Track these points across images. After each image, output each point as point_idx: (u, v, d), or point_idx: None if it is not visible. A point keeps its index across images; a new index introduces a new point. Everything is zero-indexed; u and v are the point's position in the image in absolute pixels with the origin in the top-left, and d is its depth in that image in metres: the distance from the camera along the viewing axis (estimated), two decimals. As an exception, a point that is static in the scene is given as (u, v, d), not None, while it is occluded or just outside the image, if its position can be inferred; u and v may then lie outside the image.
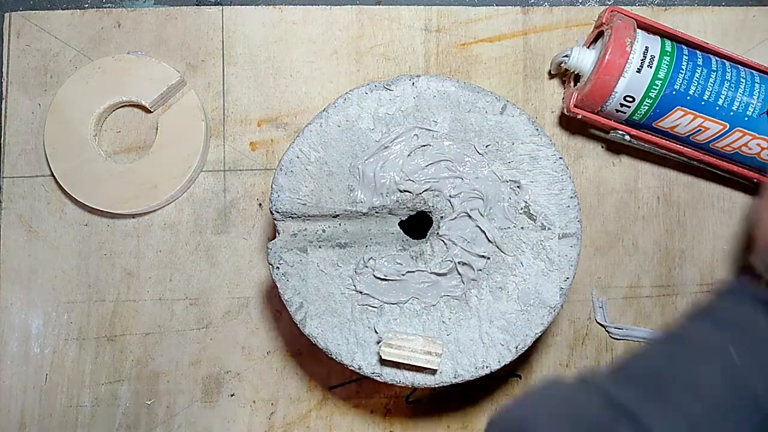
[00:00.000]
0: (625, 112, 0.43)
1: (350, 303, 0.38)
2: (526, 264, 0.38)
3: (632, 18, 0.44)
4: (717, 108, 0.41)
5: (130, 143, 0.48)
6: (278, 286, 0.38)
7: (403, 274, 0.38)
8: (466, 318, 0.37)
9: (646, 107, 0.42)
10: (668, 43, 0.42)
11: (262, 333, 0.47)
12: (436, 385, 0.38)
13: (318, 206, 0.38)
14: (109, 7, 0.48)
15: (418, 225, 0.40)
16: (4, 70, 0.48)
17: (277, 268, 0.38)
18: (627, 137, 0.44)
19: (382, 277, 0.37)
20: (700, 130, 0.42)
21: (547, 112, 0.48)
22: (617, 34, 0.41)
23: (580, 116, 0.44)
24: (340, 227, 0.38)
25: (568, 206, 0.38)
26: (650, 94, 0.41)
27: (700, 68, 0.42)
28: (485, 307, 0.37)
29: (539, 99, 0.48)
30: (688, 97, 0.41)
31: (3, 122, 0.47)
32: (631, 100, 0.42)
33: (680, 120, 0.42)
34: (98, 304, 0.46)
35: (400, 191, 0.38)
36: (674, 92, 0.41)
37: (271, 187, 0.38)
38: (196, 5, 0.49)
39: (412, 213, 0.39)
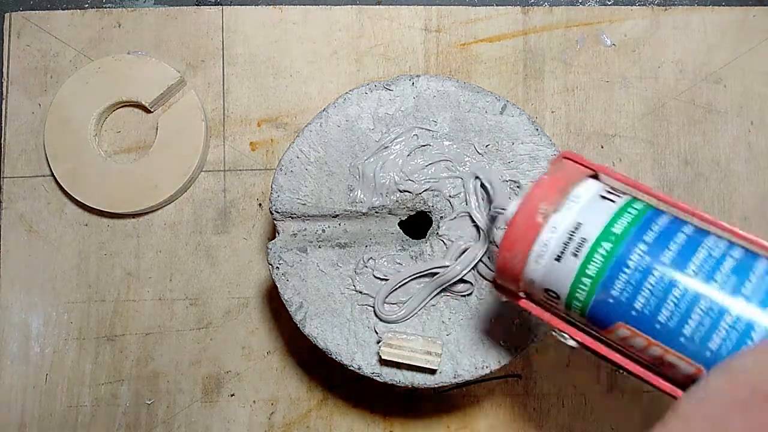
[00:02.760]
0: (556, 307, 0.28)
1: (350, 303, 0.38)
2: (525, 264, 0.38)
3: (582, 168, 0.28)
4: (683, 339, 0.23)
5: (130, 143, 0.48)
6: (278, 286, 0.38)
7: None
8: (466, 318, 0.37)
9: (577, 311, 0.26)
10: (629, 213, 0.26)
11: (262, 333, 0.47)
12: (436, 385, 0.38)
13: (318, 206, 0.38)
14: (109, 7, 0.48)
15: (418, 225, 0.40)
16: (5, 70, 0.48)
17: (277, 268, 0.38)
18: (571, 341, 0.28)
19: (382, 277, 0.37)
20: (663, 362, 0.25)
21: (547, 112, 0.48)
22: (533, 196, 0.27)
23: (504, 299, 0.30)
24: (340, 227, 0.38)
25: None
26: (577, 295, 0.26)
27: (670, 259, 0.24)
28: (485, 307, 0.37)
29: (539, 99, 0.48)
30: (634, 312, 0.24)
31: (3, 122, 0.47)
32: (554, 296, 0.27)
33: (631, 341, 0.25)
34: (98, 304, 0.46)
35: (400, 191, 0.38)
36: (611, 300, 0.25)
37: (271, 187, 0.38)
38: (196, 5, 0.49)
39: (412, 213, 0.39)
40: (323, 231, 0.38)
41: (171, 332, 0.46)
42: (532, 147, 0.38)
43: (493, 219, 0.30)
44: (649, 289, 0.24)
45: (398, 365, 0.37)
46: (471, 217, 0.37)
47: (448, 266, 0.37)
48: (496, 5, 0.49)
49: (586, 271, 0.25)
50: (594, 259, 0.25)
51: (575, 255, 0.25)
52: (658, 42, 0.49)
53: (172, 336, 0.46)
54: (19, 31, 0.48)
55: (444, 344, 0.37)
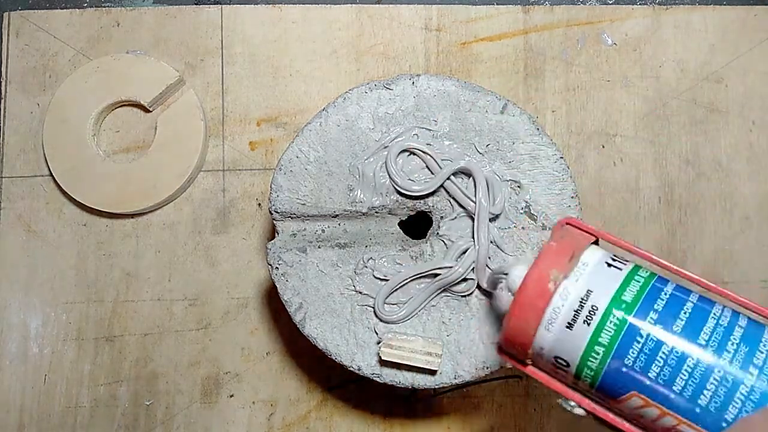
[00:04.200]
0: (567, 374, 0.27)
1: (350, 303, 0.38)
2: (526, 264, 0.37)
3: (585, 234, 0.29)
4: (698, 410, 0.23)
5: (129, 143, 0.47)
6: (277, 286, 0.38)
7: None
8: (466, 319, 0.37)
9: (588, 380, 0.26)
10: (636, 281, 0.26)
11: (262, 333, 0.46)
12: (437, 386, 0.37)
13: (317, 206, 0.38)
14: (108, 7, 0.48)
15: (418, 225, 0.40)
16: (3, 69, 0.48)
17: (276, 268, 0.38)
18: (578, 409, 0.28)
19: (382, 277, 0.37)
20: None
21: (547, 111, 0.48)
22: (542, 263, 0.26)
23: (509, 365, 0.30)
24: (340, 227, 0.38)
25: (569, 206, 0.38)
26: (589, 363, 0.25)
27: (681, 328, 0.24)
28: (485, 307, 0.37)
29: (540, 98, 0.48)
30: (648, 381, 0.24)
31: (2, 122, 0.47)
32: (564, 364, 0.26)
33: (642, 410, 0.25)
34: (97, 304, 0.46)
35: (402, 195, 0.38)
36: (624, 369, 0.25)
37: (270, 186, 0.38)
38: (195, 4, 0.48)
39: (412, 213, 0.38)
40: (323, 231, 0.38)
41: (170, 333, 0.46)
42: (532, 146, 0.38)
43: (494, 284, 0.30)
44: (662, 358, 0.24)
45: (398, 366, 0.37)
46: (470, 216, 0.37)
47: (448, 267, 0.36)
48: (497, 4, 0.48)
49: (599, 339, 0.25)
50: (607, 328, 0.25)
51: (587, 323, 0.25)
52: (660, 41, 0.48)
53: (171, 336, 0.46)
54: (17, 30, 0.48)
55: (444, 345, 0.37)
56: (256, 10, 0.48)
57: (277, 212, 0.38)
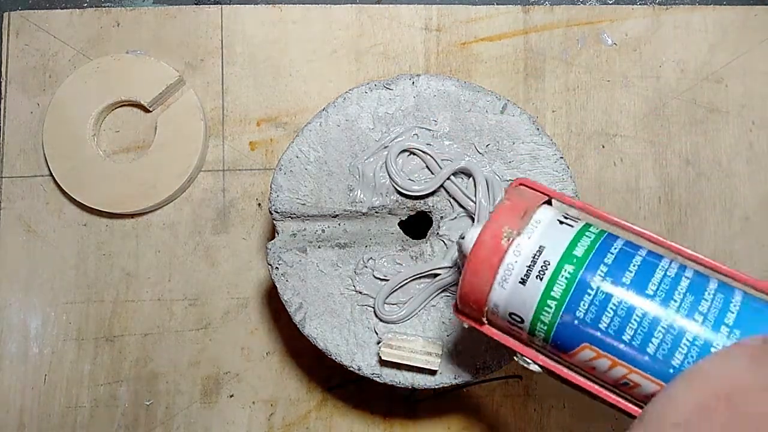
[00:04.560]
0: (521, 331, 0.27)
1: (350, 303, 0.38)
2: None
3: (538, 193, 0.29)
4: (646, 358, 0.24)
5: (129, 143, 0.47)
6: (277, 286, 0.38)
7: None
8: (466, 318, 0.37)
9: (542, 333, 0.26)
10: (587, 237, 0.26)
11: (262, 333, 0.46)
12: (436, 386, 0.37)
13: (317, 206, 0.38)
14: (108, 7, 0.48)
15: (418, 225, 0.40)
16: (3, 69, 0.48)
17: (276, 268, 0.38)
18: (534, 366, 0.28)
19: (382, 277, 0.37)
20: (627, 383, 0.25)
21: (548, 111, 0.48)
22: (496, 220, 0.27)
23: (466, 325, 0.30)
24: (340, 227, 0.38)
25: (569, 206, 0.37)
26: (541, 317, 0.26)
27: (630, 280, 0.25)
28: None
29: (540, 98, 0.48)
30: (599, 333, 0.25)
31: (2, 122, 0.47)
32: (519, 320, 0.27)
33: (594, 362, 0.25)
34: (97, 304, 0.46)
35: (403, 195, 0.38)
36: (576, 321, 0.25)
37: (270, 186, 0.38)
38: (195, 4, 0.48)
39: (412, 213, 0.38)
40: (323, 231, 0.38)
41: (170, 333, 0.46)
42: (532, 146, 0.38)
43: (459, 248, 0.30)
44: (612, 309, 0.25)
45: (398, 366, 0.37)
46: (470, 216, 0.37)
47: (448, 267, 0.36)
48: (497, 4, 0.48)
49: (551, 293, 0.25)
50: (558, 282, 0.25)
51: (539, 278, 0.26)
52: (660, 41, 0.48)
53: (171, 336, 0.46)
54: (17, 30, 0.48)
55: (444, 345, 0.37)
56: (256, 10, 0.48)
57: (277, 212, 0.38)
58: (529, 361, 0.28)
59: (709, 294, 0.24)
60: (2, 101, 0.47)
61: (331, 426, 0.46)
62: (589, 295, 0.25)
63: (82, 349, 0.46)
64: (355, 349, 0.37)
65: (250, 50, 0.48)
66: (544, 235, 0.27)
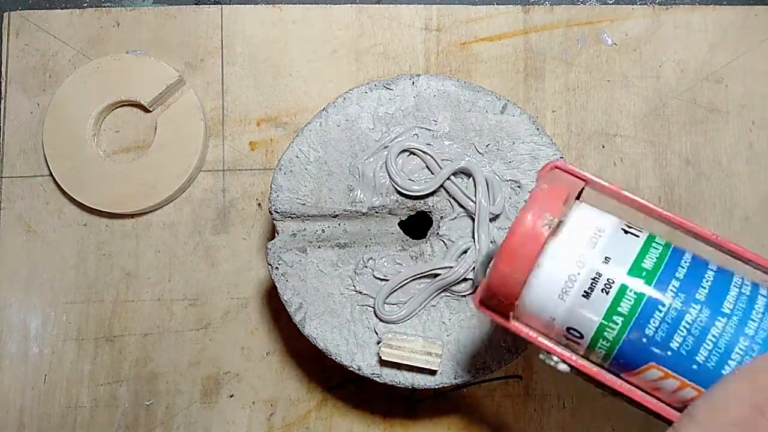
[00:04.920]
0: (577, 347, 0.26)
1: (350, 303, 0.38)
2: (526, 264, 0.37)
3: (575, 178, 0.27)
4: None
5: (129, 143, 0.47)
6: (277, 286, 0.38)
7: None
8: (466, 319, 0.37)
9: (603, 350, 0.25)
10: (654, 247, 0.25)
11: (262, 333, 0.46)
12: (437, 386, 0.37)
13: (317, 206, 0.38)
14: (107, 7, 0.48)
15: (418, 225, 0.40)
16: (3, 69, 0.48)
17: (276, 268, 0.38)
18: (562, 365, 0.26)
19: (382, 277, 0.37)
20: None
21: (548, 111, 0.48)
22: (535, 205, 0.24)
23: (492, 320, 0.27)
24: (340, 227, 0.38)
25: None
26: (605, 334, 0.24)
27: (705, 297, 0.23)
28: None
29: (540, 98, 0.48)
30: (669, 353, 0.23)
31: (2, 122, 0.47)
32: (578, 335, 0.25)
33: (660, 383, 0.24)
34: (97, 304, 0.46)
35: (403, 195, 0.38)
36: (644, 339, 0.24)
37: (270, 186, 0.38)
38: (195, 4, 0.48)
39: (412, 213, 0.38)
40: (323, 231, 0.38)
41: (170, 333, 0.46)
42: (532, 146, 0.38)
43: (490, 259, 0.28)
44: (686, 328, 0.23)
45: (398, 366, 0.37)
46: (470, 216, 0.37)
47: (448, 267, 0.36)
48: (497, 4, 0.48)
49: (618, 308, 0.24)
50: (627, 296, 0.24)
51: (605, 291, 0.24)
52: (660, 41, 0.48)
53: (171, 336, 0.46)
54: (17, 30, 0.48)
55: (444, 345, 0.37)
56: (256, 10, 0.48)
57: (277, 212, 0.38)
58: (557, 360, 0.26)
59: None
60: (2, 101, 0.47)
61: (331, 426, 0.46)
62: (661, 312, 0.23)
63: (82, 349, 0.46)
64: (355, 349, 0.37)
65: (250, 50, 0.48)
66: (609, 246, 0.25)
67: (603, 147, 0.48)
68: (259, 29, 0.48)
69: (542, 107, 0.48)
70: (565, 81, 0.48)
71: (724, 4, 0.49)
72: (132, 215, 0.47)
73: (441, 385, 0.37)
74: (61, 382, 0.46)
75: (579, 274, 0.24)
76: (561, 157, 0.38)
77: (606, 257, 0.24)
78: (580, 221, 0.26)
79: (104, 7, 0.48)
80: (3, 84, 0.47)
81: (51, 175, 0.46)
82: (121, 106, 0.47)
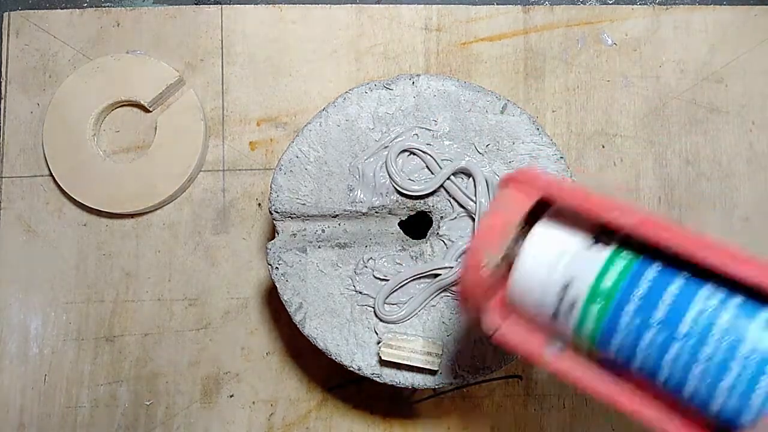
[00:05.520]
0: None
1: (350, 303, 0.38)
2: (526, 264, 0.37)
3: (525, 200, 0.25)
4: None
5: (129, 143, 0.47)
6: (277, 286, 0.38)
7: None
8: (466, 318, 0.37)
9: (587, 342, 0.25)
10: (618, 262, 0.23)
11: (262, 333, 0.46)
12: (436, 386, 0.37)
13: (317, 206, 0.38)
14: (108, 7, 0.48)
15: (418, 225, 0.40)
16: (3, 69, 0.48)
17: (276, 268, 0.38)
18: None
19: (382, 277, 0.37)
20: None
21: (548, 111, 0.48)
22: (474, 247, 0.24)
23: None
24: (340, 227, 0.38)
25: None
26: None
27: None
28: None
29: (540, 98, 0.48)
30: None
31: (2, 122, 0.47)
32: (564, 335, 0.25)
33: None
34: (97, 304, 0.46)
35: (402, 195, 0.38)
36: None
37: (270, 186, 0.38)
38: (195, 4, 0.48)
39: (412, 213, 0.38)
40: (323, 231, 0.38)
41: (170, 333, 0.46)
42: (532, 147, 0.38)
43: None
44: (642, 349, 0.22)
45: (398, 366, 0.37)
46: (470, 216, 0.37)
47: (448, 267, 0.36)
48: (497, 4, 0.48)
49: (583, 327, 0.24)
50: (589, 316, 0.23)
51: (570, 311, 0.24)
52: (659, 41, 0.48)
53: (171, 336, 0.46)
54: (17, 30, 0.48)
55: (444, 345, 0.37)
56: (256, 10, 0.48)
57: (277, 212, 0.38)
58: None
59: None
60: (2, 101, 0.47)
61: (331, 426, 0.46)
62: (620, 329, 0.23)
63: (82, 349, 0.46)
64: (355, 349, 0.37)
65: (250, 50, 0.48)
66: (570, 266, 0.24)
67: (603, 147, 0.48)
68: (259, 29, 0.48)
69: (542, 107, 0.48)
70: (565, 81, 0.48)
71: (724, 4, 0.49)
72: (132, 215, 0.47)
73: (441, 385, 0.37)
74: (61, 382, 0.46)
75: (545, 298, 0.24)
76: (561, 157, 0.38)
77: (565, 283, 0.24)
78: (534, 249, 0.25)
79: (104, 7, 0.48)
80: (3, 84, 0.47)
81: (51, 175, 0.46)
82: (121, 106, 0.47)
